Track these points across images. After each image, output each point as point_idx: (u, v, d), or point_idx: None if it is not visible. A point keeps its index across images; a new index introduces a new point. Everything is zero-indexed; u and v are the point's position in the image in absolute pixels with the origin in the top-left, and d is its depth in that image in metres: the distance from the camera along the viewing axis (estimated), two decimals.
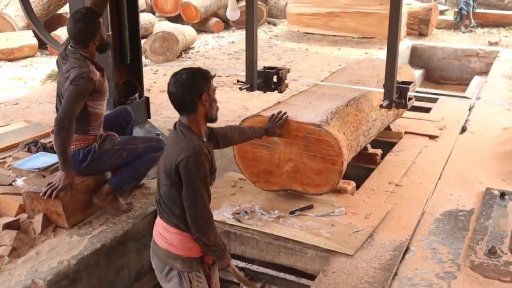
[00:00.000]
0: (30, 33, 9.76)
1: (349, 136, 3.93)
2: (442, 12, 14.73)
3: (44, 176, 3.95)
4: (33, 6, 9.58)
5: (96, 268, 3.39)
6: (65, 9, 10.44)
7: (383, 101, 3.98)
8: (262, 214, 3.71)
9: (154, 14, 12.90)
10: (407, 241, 3.40)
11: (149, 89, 7.28)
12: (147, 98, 4.90)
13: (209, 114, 2.71)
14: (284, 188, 3.91)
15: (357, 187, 4.18)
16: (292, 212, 3.71)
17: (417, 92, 6.12)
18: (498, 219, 3.58)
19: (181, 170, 2.54)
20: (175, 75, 2.65)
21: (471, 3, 13.35)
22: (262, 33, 13.17)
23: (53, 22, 10.57)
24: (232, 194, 4.04)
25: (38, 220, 3.54)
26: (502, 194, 3.92)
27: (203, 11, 12.59)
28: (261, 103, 6.79)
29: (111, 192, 3.71)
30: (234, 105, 6.60)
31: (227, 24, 13.79)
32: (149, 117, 4.94)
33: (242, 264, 3.64)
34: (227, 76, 8.45)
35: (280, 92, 4.65)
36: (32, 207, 3.59)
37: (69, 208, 3.56)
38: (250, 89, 4.48)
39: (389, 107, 3.98)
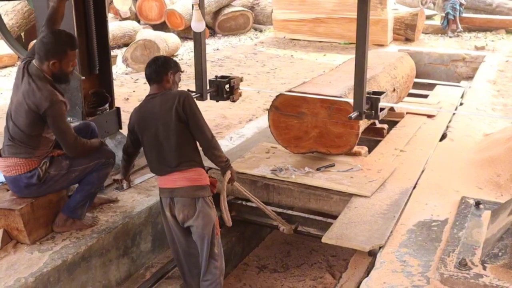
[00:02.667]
0: None
1: None
2: (429, 17, 14.71)
3: (8, 190, 3.84)
4: (13, 15, 9.60)
5: (56, 285, 3.27)
6: None
7: (352, 112, 3.90)
8: (294, 170, 4.49)
9: (139, 22, 12.82)
10: (411, 188, 4.23)
11: (127, 98, 7.18)
12: (118, 109, 4.79)
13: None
14: (311, 150, 4.74)
15: (369, 153, 5.04)
16: (318, 169, 4.51)
17: (415, 83, 7.06)
18: (471, 230, 3.48)
19: (187, 105, 3.28)
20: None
21: (458, 7, 13.32)
22: (248, 40, 13.12)
23: (35, 31, 10.41)
24: (267, 158, 4.83)
25: None
26: (477, 203, 3.82)
27: (188, 18, 12.48)
28: (240, 111, 6.72)
29: (68, 218, 3.61)
30: (212, 114, 6.50)
31: (212, 31, 13.72)
32: (121, 128, 4.82)
33: (279, 210, 4.43)
34: None
35: (233, 101, 4.69)
36: None
37: (30, 223, 3.45)
38: (200, 98, 4.53)
39: (358, 118, 3.90)
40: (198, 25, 3.87)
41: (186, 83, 8.42)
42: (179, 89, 3.54)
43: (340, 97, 4.39)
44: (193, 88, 4.62)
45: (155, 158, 3.41)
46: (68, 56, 3.38)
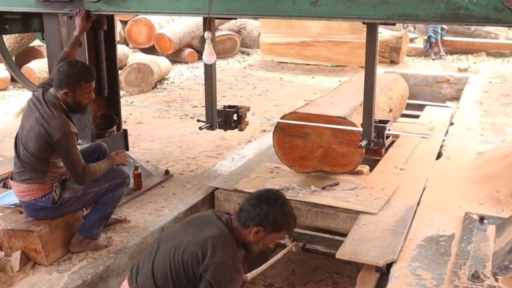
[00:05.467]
0: (1, 66, 9.64)
1: None
2: (411, 40, 15.06)
3: (21, 212, 3.87)
4: (5, 39, 9.58)
5: None
6: (37, 42, 10.38)
7: (361, 141, 4.05)
8: (300, 189, 4.60)
9: (127, 45, 12.91)
10: (415, 204, 4.40)
11: (125, 121, 7.22)
12: (125, 131, 4.88)
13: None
14: (315, 170, 4.83)
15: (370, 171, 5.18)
16: (323, 187, 4.63)
17: (407, 104, 7.25)
18: (479, 243, 3.62)
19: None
20: None
21: (439, 31, 13.69)
22: (236, 63, 13.30)
23: (26, 55, 10.51)
24: (272, 178, 4.94)
25: (16, 258, 3.45)
26: (481, 218, 3.97)
27: (177, 42, 12.65)
28: (238, 132, 6.77)
29: (84, 239, 3.65)
30: (212, 135, 6.58)
31: (201, 54, 13.88)
32: (127, 149, 4.90)
33: None
34: (203, 106, 8.44)
35: (241, 130, 4.77)
36: (10, 244, 3.50)
37: (48, 245, 3.48)
38: (210, 128, 4.58)
39: (367, 146, 4.05)
40: (209, 58, 3.98)
41: (181, 104, 8.57)
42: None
43: (345, 118, 4.53)
44: (202, 118, 4.67)
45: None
46: (82, 88, 3.42)
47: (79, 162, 3.43)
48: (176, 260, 2.57)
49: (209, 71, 4.47)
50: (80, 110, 3.57)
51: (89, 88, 3.47)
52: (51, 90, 3.45)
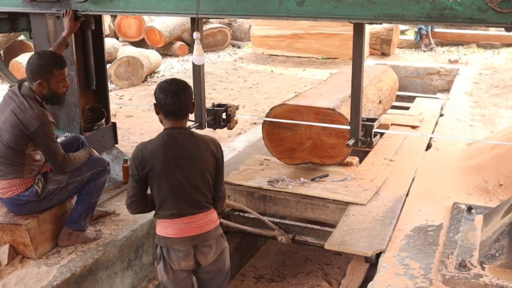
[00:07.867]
0: None
1: None
2: (402, 32, 15.06)
3: None
4: None
5: None
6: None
7: (349, 139, 4.03)
8: (290, 181, 4.65)
9: (117, 39, 12.85)
10: (404, 195, 4.43)
11: (115, 115, 7.21)
12: (114, 124, 4.85)
13: None
14: (305, 161, 4.87)
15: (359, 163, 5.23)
16: (313, 179, 4.67)
17: (397, 95, 7.28)
18: (466, 233, 3.64)
19: (222, 153, 3.08)
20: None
21: None
22: (227, 56, 13.27)
23: (15, 48, 10.45)
24: (262, 170, 4.98)
25: (4, 251, 3.45)
26: (469, 208, 3.99)
27: (167, 35, 12.60)
28: None
29: (73, 232, 3.64)
30: None
31: (191, 48, 13.82)
32: (117, 143, 4.89)
33: (276, 220, 4.53)
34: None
35: (230, 128, 4.77)
36: None
37: (36, 238, 3.48)
38: (200, 127, 4.54)
39: (355, 145, 4.05)
40: (199, 59, 3.97)
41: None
42: None
43: (334, 109, 4.54)
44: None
45: (180, 198, 2.96)
46: (55, 76, 3.40)
47: (59, 150, 3.44)
48: None
49: (197, 70, 4.46)
50: (58, 101, 3.54)
51: (62, 75, 3.45)
52: (26, 83, 3.44)
